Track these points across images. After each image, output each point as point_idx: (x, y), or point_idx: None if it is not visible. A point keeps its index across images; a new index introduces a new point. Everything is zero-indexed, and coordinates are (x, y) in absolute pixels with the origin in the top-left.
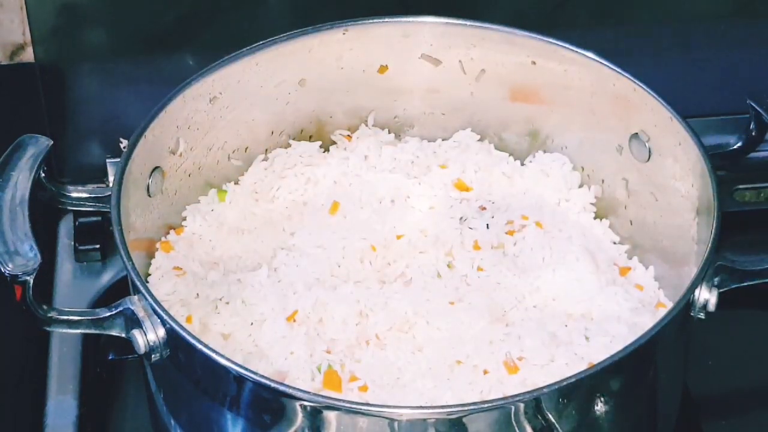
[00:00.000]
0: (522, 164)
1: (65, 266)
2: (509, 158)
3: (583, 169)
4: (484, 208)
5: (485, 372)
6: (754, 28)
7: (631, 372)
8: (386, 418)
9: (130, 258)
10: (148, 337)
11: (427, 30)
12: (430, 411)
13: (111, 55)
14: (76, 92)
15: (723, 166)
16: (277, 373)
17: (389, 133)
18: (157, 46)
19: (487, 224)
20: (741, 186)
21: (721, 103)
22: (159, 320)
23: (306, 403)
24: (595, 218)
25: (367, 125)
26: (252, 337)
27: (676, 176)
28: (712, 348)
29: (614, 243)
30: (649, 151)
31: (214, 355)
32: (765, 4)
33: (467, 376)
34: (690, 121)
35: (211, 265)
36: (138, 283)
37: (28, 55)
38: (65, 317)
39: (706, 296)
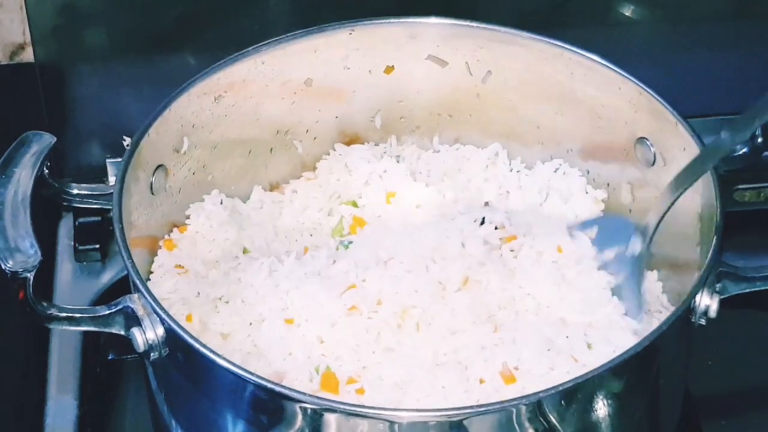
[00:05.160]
0: (527, 167)
1: (65, 266)
2: (514, 161)
3: (588, 172)
4: (488, 210)
5: (482, 381)
6: (755, 28)
7: (630, 378)
8: (386, 420)
9: (130, 256)
10: (147, 335)
11: (434, 31)
12: (431, 414)
13: (111, 55)
14: (76, 92)
15: (727, 171)
16: (275, 374)
17: (394, 134)
18: (157, 46)
19: (493, 226)
20: (741, 186)
21: (721, 103)
22: (158, 319)
23: (305, 405)
24: None
25: (375, 125)
26: (251, 337)
27: None
28: (712, 349)
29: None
30: (654, 156)
31: (211, 355)
32: (765, 5)
33: (464, 384)
34: (690, 121)
35: (213, 264)
36: (137, 281)
37: (28, 55)
38: (65, 314)
39: (707, 302)
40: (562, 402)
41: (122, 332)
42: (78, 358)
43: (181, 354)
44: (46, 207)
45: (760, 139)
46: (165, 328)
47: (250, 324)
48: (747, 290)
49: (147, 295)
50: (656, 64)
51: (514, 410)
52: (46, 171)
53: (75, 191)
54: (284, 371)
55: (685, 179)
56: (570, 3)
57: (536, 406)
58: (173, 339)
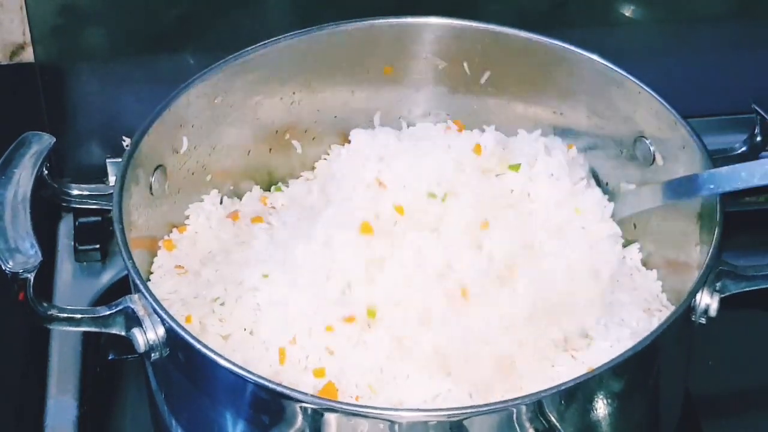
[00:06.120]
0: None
1: (65, 266)
2: None
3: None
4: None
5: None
6: (755, 28)
7: (630, 376)
8: (386, 420)
9: (130, 256)
10: (148, 335)
11: (433, 30)
12: (431, 414)
13: (111, 55)
14: (76, 92)
15: None
16: (276, 374)
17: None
18: (157, 46)
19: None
20: None
21: (721, 103)
22: (159, 319)
23: (305, 405)
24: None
25: (374, 125)
26: (250, 338)
27: None
28: (712, 348)
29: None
30: (653, 155)
31: (212, 355)
32: (765, 5)
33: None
34: (690, 121)
35: (212, 264)
36: (138, 282)
37: (28, 55)
38: (66, 315)
39: (708, 301)
40: (563, 402)
41: (123, 333)
42: (78, 358)
43: (182, 354)
44: (46, 207)
45: (758, 139)
46: (166, 329)
47: (250, 325)
48: (747, 289)
49: (148, 296)
50: (656, 64)
51: (515, 410)
52: (46, 171)
53: (75, 191)
54: (284, 372)
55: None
56: (570, 3)
57: (537, 405)
58: (174, 339)
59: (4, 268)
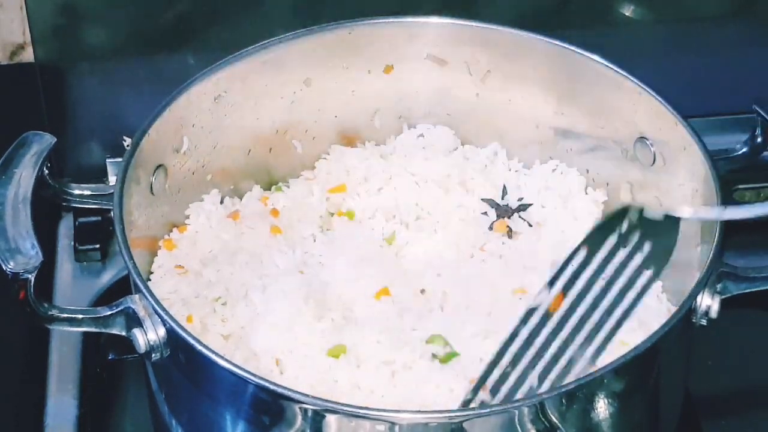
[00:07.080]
0: (525, 167)
1: (65, 266)
2: (512, 161)
3: (587, 171)
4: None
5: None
6: (755, 28)
7: (631, 378)
8: (386, 421)
9: (131, 257)
10: (149, 336)
11: (433, 30)
12: (431, 416)
13: (111, 55)
14: (76, 92)
15: (727, 171)
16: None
17: (393, 134)
18: (157, 46)
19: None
20: (741, 186)
21: (722, 103)
22: (159, 319)
23: (306, 406)
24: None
25: (374, 125)
26: (252, 337)
27: (680, 181)
28: (712, 349)
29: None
30: (654, 155)
31: (213, 356)
32: (765, 5)
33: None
34: (691, 121)
35: (213, 264)
36: (138, 282)
37: (28, 55)
38: (66, 315)
39: (708, 303)
40: (564, 403)
41: (123, 333)
42: (78, 358)
43: (182, 355)
44: (46, 207)
45: (759, 139)
46: (166, 329)
47: (251, 324)
48: (747, 290)
49: (148, 296)
50: (656, 64)
51: (516, 412)
52: (46, 171)
53: (75, 191)
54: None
55: None
56: (570, 3)
57: (538, 407)
58: (174, 340)
59: (4, 269)
